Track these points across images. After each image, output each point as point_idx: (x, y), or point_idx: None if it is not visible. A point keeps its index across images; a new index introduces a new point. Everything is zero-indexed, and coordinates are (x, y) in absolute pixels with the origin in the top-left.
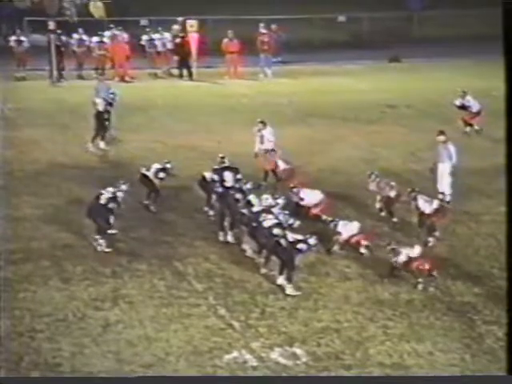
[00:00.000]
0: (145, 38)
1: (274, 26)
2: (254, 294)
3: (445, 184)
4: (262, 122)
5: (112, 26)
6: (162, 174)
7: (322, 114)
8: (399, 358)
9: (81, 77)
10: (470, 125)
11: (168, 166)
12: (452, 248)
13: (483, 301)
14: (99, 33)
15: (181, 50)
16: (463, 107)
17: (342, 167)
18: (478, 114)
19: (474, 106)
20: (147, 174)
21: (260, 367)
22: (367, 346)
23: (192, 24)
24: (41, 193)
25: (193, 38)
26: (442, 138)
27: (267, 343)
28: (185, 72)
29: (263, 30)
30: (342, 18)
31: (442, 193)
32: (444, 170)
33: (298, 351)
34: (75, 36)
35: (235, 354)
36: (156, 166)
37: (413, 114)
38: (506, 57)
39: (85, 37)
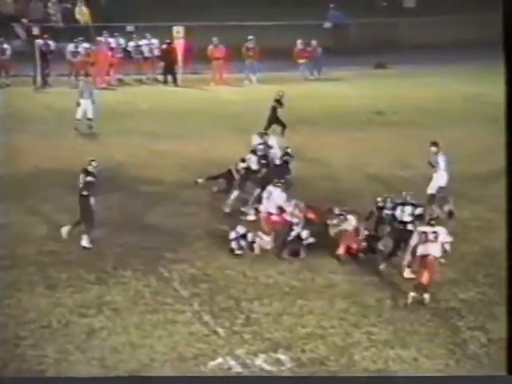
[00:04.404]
0: (131, 44)
1: (313, 42)
2: (238, 301)
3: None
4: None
5: (105, 32)
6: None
7: (309, 120)
8: (384, 364)
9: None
10: None
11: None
12: None
13: (468, 307)
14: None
15: (167, 57)
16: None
17: (329, 173)
18: None
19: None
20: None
21: (244, 373)
22: (352, 351)
23: (178, 30)
24: (27, 198)
25: (179, 45)
26: (433, 149)
27: (252, 349)
28: (170, 78)
29: (300, 46)
30: (327, 25)
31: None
32: (437, 180)
33: (283, 357)
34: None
35: (220, 360)
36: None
37: (400, 121)
38: (507, 58)
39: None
